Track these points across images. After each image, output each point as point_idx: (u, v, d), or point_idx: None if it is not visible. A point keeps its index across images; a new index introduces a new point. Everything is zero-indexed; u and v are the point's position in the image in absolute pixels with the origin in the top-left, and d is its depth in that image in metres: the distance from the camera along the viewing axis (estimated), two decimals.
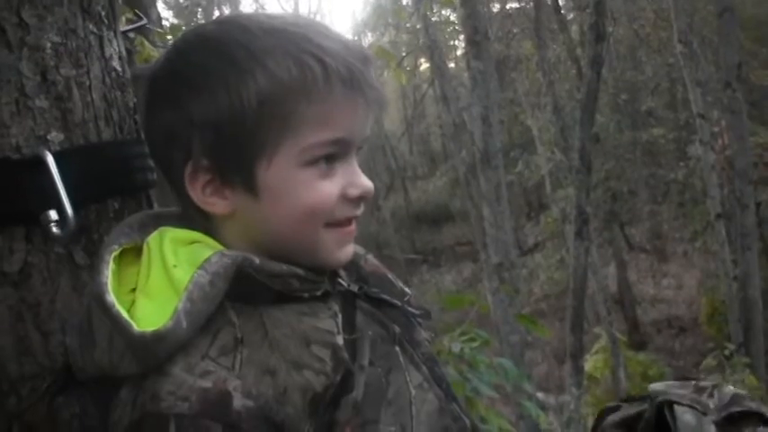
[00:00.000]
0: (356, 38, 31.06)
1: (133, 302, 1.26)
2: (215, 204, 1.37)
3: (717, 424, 1.50)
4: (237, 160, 1.34)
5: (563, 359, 16.46)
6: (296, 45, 1.32)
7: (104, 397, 1.26)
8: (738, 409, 1.53)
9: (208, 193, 1.36)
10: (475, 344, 4.18)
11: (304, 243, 1.37)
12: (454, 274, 29.59)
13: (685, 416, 1.53)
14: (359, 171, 1.39)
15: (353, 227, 1.42)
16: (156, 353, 1.18)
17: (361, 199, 1.39)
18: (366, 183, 1.38)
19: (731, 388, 1.58)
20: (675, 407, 1.54)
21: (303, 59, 1.30)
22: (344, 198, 1.37)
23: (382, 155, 34.11)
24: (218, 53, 1.33)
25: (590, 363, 16.04)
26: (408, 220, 33.85)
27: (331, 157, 1.34)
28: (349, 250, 1.43)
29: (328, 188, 1.34)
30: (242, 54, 1.31)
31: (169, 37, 4.30)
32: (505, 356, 7.47)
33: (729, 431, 1.48)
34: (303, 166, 1.32)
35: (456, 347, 4.03)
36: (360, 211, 1.41)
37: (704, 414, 1.53)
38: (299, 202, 1.34)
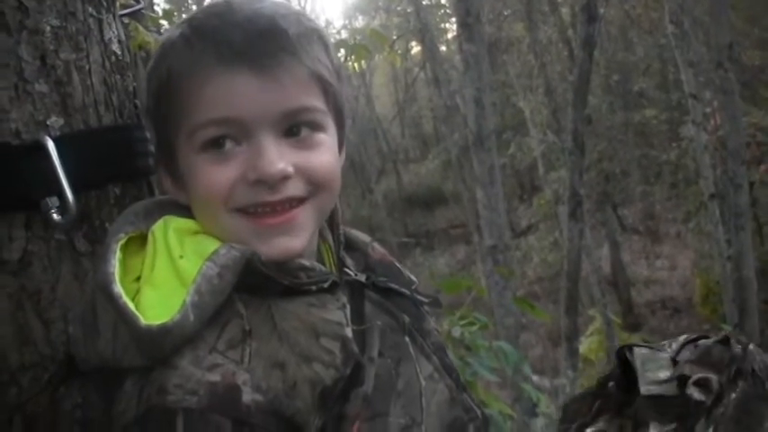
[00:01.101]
0: (347, 22, 31.06)
1: (138, 291, 1.24)
2: (179, 195, 1.40)
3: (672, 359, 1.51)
4: (164, 149, 1.38)
5: (557, 342, 16.50)
6: (185, 33, 1.33)
7: (107, 388, 1.25)
8: (692, 337, 1.55)
9: (174, 186, 1.41)
10: (474, 328, 4.17)
11: (221, 231, 1.34)
12: (447, 256, 29.63)
13: (641, 350, 1.54)
14: (265, 153, 1.30)
15: (281, 217, 1.34)
16: (162, 346, 1.17)
17: (264, 184, 1.30)
18: (265, 165, 1.30)
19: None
20: (634, 348, 1.55)
21: (178, 43, 1.32)
22: (246, 183, 1.31)
23: (374, 138, 34.12)
24: (153, 56, 1.41)
25: (585, 345, 16.02)
26: (401, 204, 33.88)
27: (223, 139, 1.30)
28: (282, 245, 1.34)
29: (217, 173, 1.30)
30: (156, 53, 1.39)
31: (163, 22, 4.28)
32: (501, 339, 7.47)
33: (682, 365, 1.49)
34: (198, 152, 1.31)
35: (456, 332, 4.02)
36: (277, 196, 1.32)
37: (659, 351, 1.54)
38: (195, 189, 1.33)
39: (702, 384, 1.43)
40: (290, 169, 1.30)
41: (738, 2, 20.80)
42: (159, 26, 4.10)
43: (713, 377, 1.43)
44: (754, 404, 1.41)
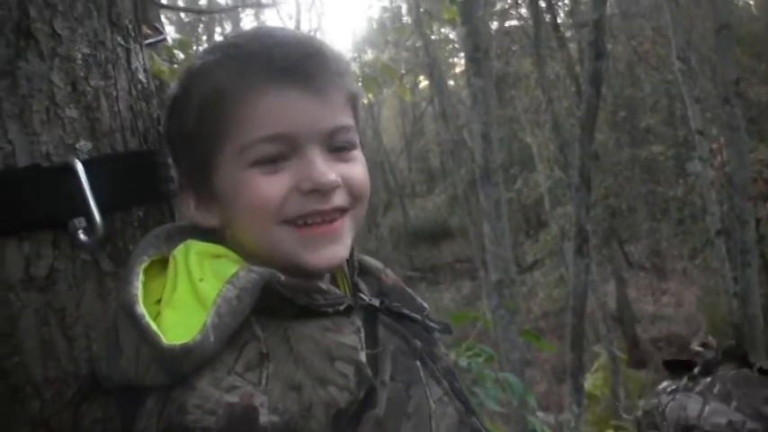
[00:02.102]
0: (356, 55, 31.07)
1: (159, 313, 1.27)
2: (205, 219, 1.43)
3: None
4: (196, 171, 1.40)
5: (562, 377, 16.40)
6: (225, 53, 1.38)
7: (129, 406, 1.28)
8: None
9: (201, 210, 1.43)
10: (480, 359, 4.19)
11: (264, 245, 1.38)
12: (453, 291, 29.47)
13: None
14: (316, 164, 1.36)
15: (329, 227, 1.40)
16: (183, 366, 1.19)
17: (316, 192, 1.36)
18: (319, 175, 1.35)
19: None
20: None
21: (227, 64, 1.35)
22: (299, 193, 1.36)
23: (381, 172, 34.02)
24: (181, 81, 1.43)
25: (590, 381, 15.97)
26: (407, 238, 33.74)
27: (275, 155, 1.35)
28: (328, 254, 1.40)
29: (269, 184, 1.34)
30: (190, 77, 1.40)
31: (176, 51, 4.33)
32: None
33: None
34: (248, 167, 1.34)
35: (463, 362, 4.04)
36: (327, 205, 1.38)
37: None
38: (244, 202, 1.36)
39: None
40: (340, 180, 1.37)
41: (744, 38, 20.85)
42: (173, 55, 4.16)
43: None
44: None
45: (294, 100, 1.34)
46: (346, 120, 1.42)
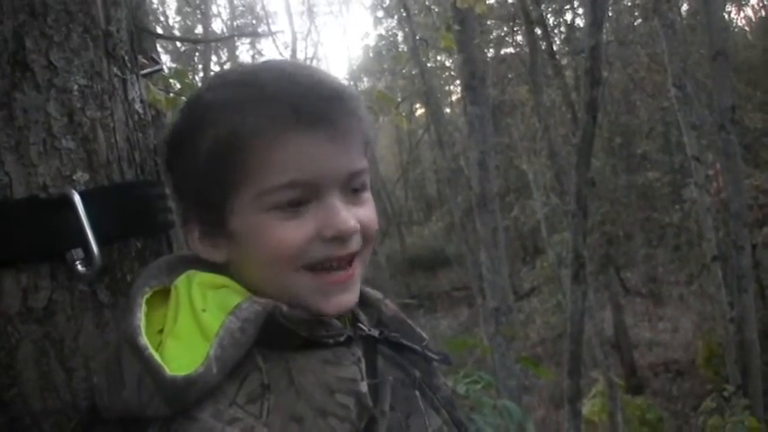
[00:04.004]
0: (352, 83, 31.13)
1: (160, 343, 1.27)
2: (210, 253, 1.41)
3: None
4: (210, 210, 1.37)
5: (560, 404, 16.38)
6: (242, 93, 1.35)
7: None
8: None
9: (206, 245, 1.41)
10: (478, 386, 4.19)
11: (282, 288, 1.37)
12: (450, 319, 29.45)
13: None
14: (337, 210, 1.35)
15: (346, 273, 1.39)
16: (186, 397, 1.19)
17: (337, 239, 1.35)
18: (341, 222, 1.34)
19: None
20: None
21: (244, 107, 1.33)
22: (320, 239, 1.35)
23: (378, 200, 34.01)
24: (188, 114, 1.39)
25: (587, 407, 15.92)
26: (404, 265, 33.73)
27: (296, 200, 1.34)
28: (342, 301, 1.39)
29: (290, 231, 1.33)
30: (199, 112, 1.37)
31: (172, 81, 4.33)
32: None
33: None
34: (265, 211, 1.33)
35: (461, 389, 4.04)
36: (345, 250, 1.37)
37: None
38: (262, 247, 1.35)
39: None
40: (359, 225, 1.37)
41: (740, 65, 20.96)
42: (169, 85, 4.16)
43: None
44: None
45: (318, 145, 1.32)
46: (363, 163, 1.41)
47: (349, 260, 1.39)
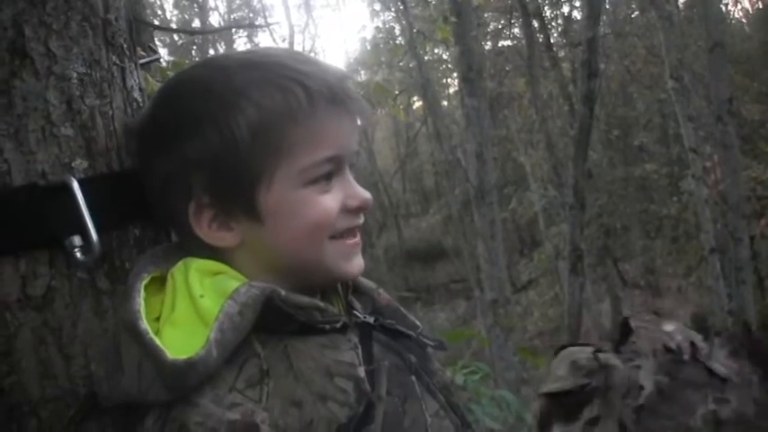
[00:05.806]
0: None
1: (158, 330, 1.27)
2: (223, 238, 1.42)
3: None
4: (237, 191, 1.38)
5: None
6: (275, 73, 1.38)
7: (129, 425, 1.28)
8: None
9: (214, 228, 1.41)
10: (476, 377, 4.20)
11: (312, 259, 1.42)
12: (448, 311, 29.42)
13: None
14: (354, 183, 1.45)
15: (358, 239, 1.49)
16: (186, 381, 1.19)
17: (360, 209, 1.46)
18: (364, 193, 1.46)
19: None
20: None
21: (285, 85, 1.36)
22: (345, 210, 1.43)
23: (375, 193, 34.00)
24: (202, 95, 1.39)
25: None
26: (401, 258, 33.68)
27: (328, 174, 1.40)
28: (358, 263, 1.49)
29: (329, 202, 1.40)
30: (226, 90, 1.37)
31: (170, 73, 4.33)
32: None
33: None
34: (302, 186, 1.38)
35: (459, 380, 4.05)
36: (360, 221, 1.47)
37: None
38: (303, 220, 1.39)
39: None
40: None
41: (737, 57, 20.94)
42: (166, 77, 4.16)
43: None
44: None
45: (345, 123, 1.43)
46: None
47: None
